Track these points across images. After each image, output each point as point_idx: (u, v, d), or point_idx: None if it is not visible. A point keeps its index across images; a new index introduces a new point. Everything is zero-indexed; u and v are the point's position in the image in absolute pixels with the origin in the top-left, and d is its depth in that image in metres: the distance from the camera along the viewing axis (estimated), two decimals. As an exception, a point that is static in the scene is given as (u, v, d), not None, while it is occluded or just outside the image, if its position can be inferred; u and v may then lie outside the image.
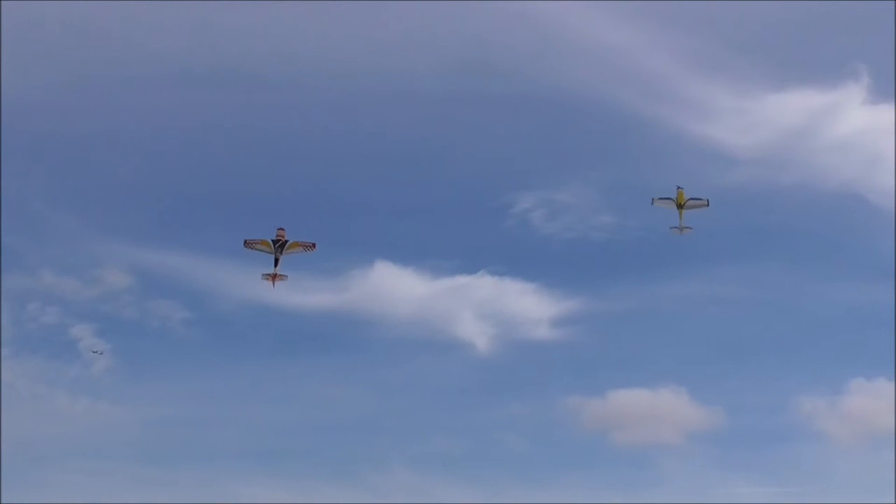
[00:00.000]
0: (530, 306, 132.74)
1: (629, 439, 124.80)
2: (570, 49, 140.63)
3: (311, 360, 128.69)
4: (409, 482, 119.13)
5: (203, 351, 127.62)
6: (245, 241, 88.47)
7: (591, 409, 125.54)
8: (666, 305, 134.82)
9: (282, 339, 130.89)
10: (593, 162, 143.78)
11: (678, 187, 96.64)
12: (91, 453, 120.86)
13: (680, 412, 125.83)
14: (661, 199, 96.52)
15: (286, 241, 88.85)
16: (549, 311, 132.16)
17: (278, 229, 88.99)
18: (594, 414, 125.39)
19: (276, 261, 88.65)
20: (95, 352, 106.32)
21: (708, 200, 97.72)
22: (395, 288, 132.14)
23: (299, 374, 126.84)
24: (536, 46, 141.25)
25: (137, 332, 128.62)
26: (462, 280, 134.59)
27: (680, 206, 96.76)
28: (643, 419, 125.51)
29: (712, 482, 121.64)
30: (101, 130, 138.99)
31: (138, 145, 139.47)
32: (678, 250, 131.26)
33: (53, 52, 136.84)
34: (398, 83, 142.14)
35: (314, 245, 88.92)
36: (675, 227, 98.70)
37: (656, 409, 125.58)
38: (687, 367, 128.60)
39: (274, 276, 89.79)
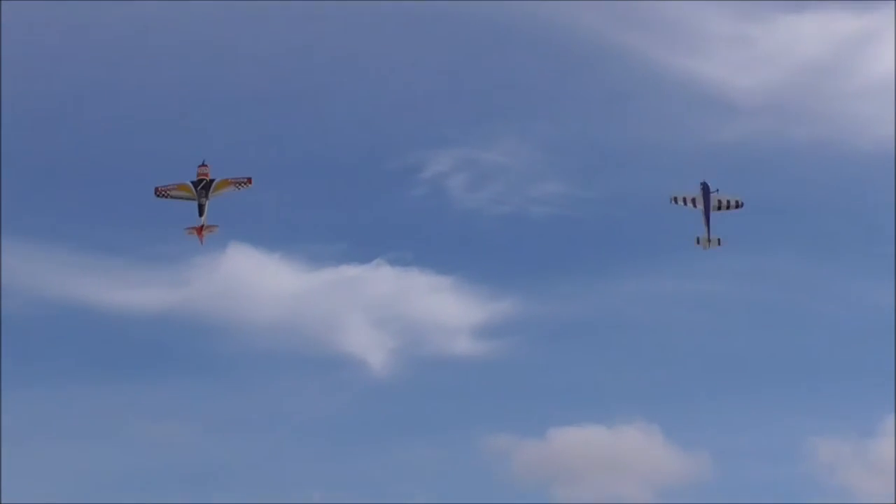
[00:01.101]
0: (445, 309, 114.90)
1: (578, 496, 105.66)
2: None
3: (133, 382, 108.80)
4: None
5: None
6: (156, 190, 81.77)
7: (526, 454, 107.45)
8: (633, 310, 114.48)
9: (92, 352, 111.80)
10: (536, 108, 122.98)
11: (702, 184, 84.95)
12: None
13: (650, 459, 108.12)
14: (681, 197, 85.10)
15: (211, 181, 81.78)
16: (470, 317, 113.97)
17: (199, 166, 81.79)
18: (530, 460, 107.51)
19: (201, 208, 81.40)
20: None
21: (741, 201, 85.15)
22: (255, 282, 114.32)
23: (116, 403, 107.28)
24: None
25: None
26: (350, 271, 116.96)
27: (708, 210, 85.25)
28: (599, 468, 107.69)
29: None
30: None
31: None
32: (651, 234, 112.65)
33: None
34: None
35: (249, 180, 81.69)
36: (702, 239, 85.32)
37: (617, 454, 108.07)
38: (661, 397, 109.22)
39: (201, 229, 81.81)
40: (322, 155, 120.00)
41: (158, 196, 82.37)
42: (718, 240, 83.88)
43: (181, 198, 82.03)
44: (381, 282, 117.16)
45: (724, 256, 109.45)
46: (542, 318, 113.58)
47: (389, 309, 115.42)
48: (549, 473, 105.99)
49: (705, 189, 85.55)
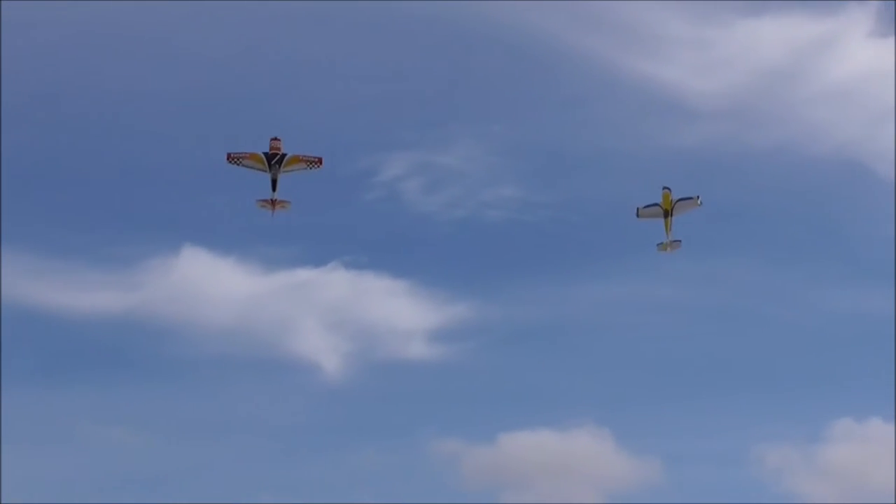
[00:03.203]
0: (400, 313, 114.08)
1: (528, 500, 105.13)
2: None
3: (84, 386, 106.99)
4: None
5: None
6: (229, 155, 78.94)
7: (477, 458, 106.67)
8: (587, 315, 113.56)
9: (44, 355, 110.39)
10: (492, 111, 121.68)
11: (664, 188, 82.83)
12: None
13: (601, 463, 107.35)
14: (647, 207, 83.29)
15: (284, 155, 79.33)
16: (425, 321, 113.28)
17: (272, 139, 78.92)
18: (479, 464, 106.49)
19: (274, 182, 79.18)
20: None
21: (699, 198, 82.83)
22: (209, 285, 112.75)
23: (67, 408, 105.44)
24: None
25: None
26: (305, 275, 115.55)
27: (668, 213, 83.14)
28: (548, 473, 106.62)
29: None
30: None
31: None
32: (606, 238, 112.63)
33: None
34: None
35: (320, 161, 79.39)
36: (663, 244, 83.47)
37: (568, 458, 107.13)
38: (612, 402, 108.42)
39: (273, 203, 79.74)
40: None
41: (230, 162, 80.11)
42: (679, 242, 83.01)
43: (252, 167, 79.97)
44: (335, 285, 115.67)
45: (681, 261, 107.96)
46: (497, 322, 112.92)
47: (344, 313, 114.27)
48: (499, 478, 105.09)
49: (665, 193, 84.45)
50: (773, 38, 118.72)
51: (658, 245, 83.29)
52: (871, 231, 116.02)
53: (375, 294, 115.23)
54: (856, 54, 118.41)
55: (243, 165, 79.81)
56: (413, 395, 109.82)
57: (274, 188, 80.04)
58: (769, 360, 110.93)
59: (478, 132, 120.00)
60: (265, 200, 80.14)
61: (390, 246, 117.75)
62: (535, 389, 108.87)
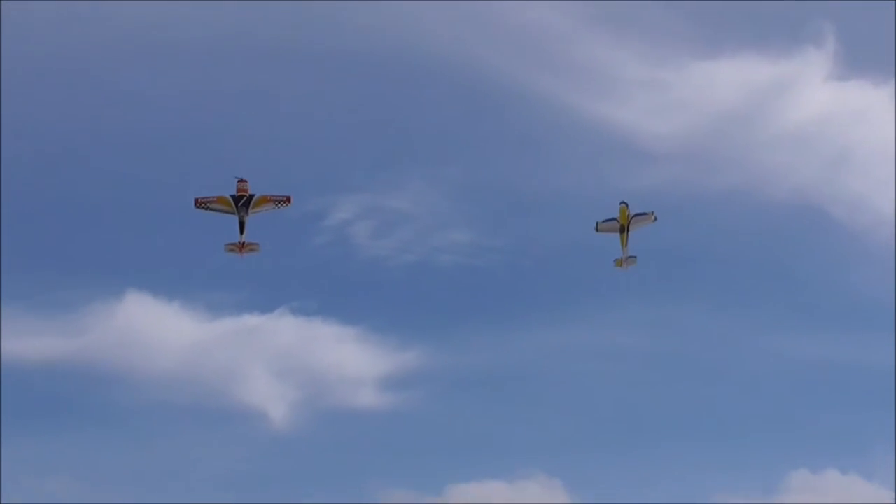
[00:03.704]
0: (349, 360, 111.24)
1: None
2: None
3: (23, 435, 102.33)
4: None
5: None
6: (196, 200, 78.69)
7: None
8: (538, 362, 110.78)
9: None
10: (444, 152, 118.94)
11: (622, 203, 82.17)
12: None
13: None
14: (605, 221, 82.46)
15: (251, 196, 79.10)
16: (375, 368, 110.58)
17: (238, 181, 78.85)
18: None
19: (242, 224, 78.64)
20: None
21: (654, 213, 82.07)
22: (153, 331, 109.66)
23: (4, 458, 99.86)
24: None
25: None
26: (252, 321, 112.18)
27: (624, 228, 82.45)
28: None
29: None
30: None
31: None
32: (560, 284, 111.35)
33: None
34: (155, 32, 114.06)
35: (289, 199, 79.37)
36: (619, 259, 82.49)
37: None
38: (564, 451, 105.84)
39: (242, 246, 79.20)
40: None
41: (198, 207, 79.39)
42: (634, 258, 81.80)
43: (220, 211, 79.24)
44: (283, 332, 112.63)
45: (633, 308, 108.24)
46: (448, 370, 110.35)
47: (292, 360, 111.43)
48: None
49: (622, 208, 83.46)
50: (729, 80, 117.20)
51: (614, 261, 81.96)
52: (828, 276, 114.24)
53: (324, 341, 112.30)
54: (813, 97, 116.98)
55: (211, 210, 78.68)
56: (362, 445, 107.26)
57: (242, 231, 78.75)
58: (724, 409, 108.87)
59: (429, 174, 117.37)
60: (234, 244, 78.93)
61: (339, 291, 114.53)
62: (486, 439, 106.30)
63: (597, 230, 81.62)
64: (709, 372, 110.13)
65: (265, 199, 79.23)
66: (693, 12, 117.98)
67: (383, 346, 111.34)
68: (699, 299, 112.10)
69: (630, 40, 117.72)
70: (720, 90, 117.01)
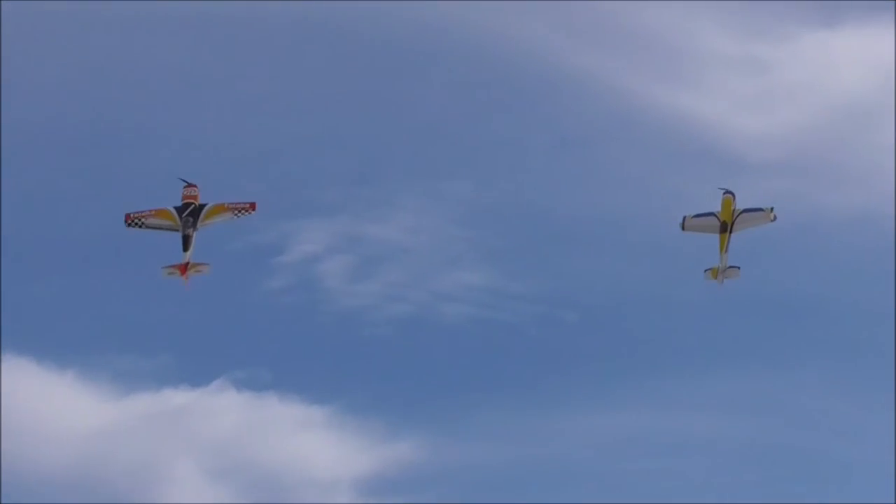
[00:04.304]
0: (317, 454, 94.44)
1: None
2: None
3: None
4: None
5: None
6: (127, 217, 71.71)
7: None
8: (583, 456, 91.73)
9: None
10: (451, 160, 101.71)
11: (725, 192, 72.94)
12: None
13: None
14: (698, 217, 73.95)
15: (202, 206, 71.52)
16: (353, 465, 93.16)
17: (185, 187, 71.51)
18: None
19: (187, 239, 71.03)
20: None
21: (773, 210, 73.47)
22: (40, 412, 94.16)
23: None
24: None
25: None
26: (178, 398, 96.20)
27: (726, 228, 73.47)
28: None
29: None
30: None
31: None
32: (613, 346, 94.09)
33: None
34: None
35: (253, 206, 71.35)
36: (714, 269, 74.39)
37: None
38: None
39: (185, 267, 71.17)
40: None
41: (130, 225, 73.96)
42: (737, 269, 73.78)
43: (160, 227, 73.87)
44: (222, 414, 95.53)
45: (719, 378, 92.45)
46: (455, 467, 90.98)
47: (235, 453, 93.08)
48: None
49: (726, 199, 75.54)
50: (854, 58, 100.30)
51: (706, 271, 73.90)
52: None
53: (281, 426, 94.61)
54: None
55: (148, 227, 73.37)
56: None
57: (186, 247, 72.95)
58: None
59: (429, 190, 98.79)
60: (174, 266, 72.63)
61: (303, 356, 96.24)
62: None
63: (683, 228, 74.31)
64: (831, 469, 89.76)
65: (221, 208, 73.30)
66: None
67: (365, 433, 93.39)
68: (816, 365, 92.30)
69: (714, 4, 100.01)
70: (842, 73, 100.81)
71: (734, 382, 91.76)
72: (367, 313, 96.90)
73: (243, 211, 73.23)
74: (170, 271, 72.33)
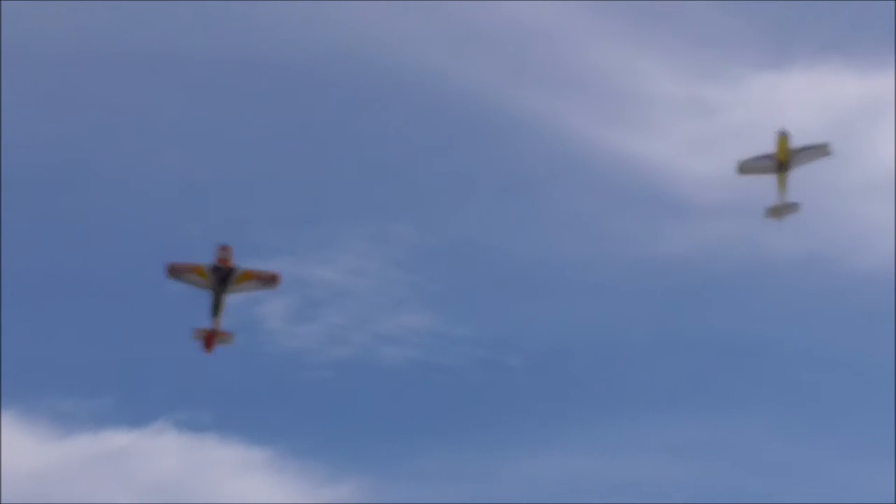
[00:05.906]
0: (258, 495, 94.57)
1: None
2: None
3: None
4: None
5: None
6: (170, 267, 72.15)
7: None
8: (526, 499, 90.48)
9: None
10: (395, 201, 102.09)
11: (781, 133, 75.06)
12: None
13: None
14: (754, 159, 76.18)
15: (232, 269, 72.28)
16: None
17: (220, 248, 71.75)
18: None
19: (217, 305, 72.06)
20: None
21: (829, 145, 76.40)
22: None
23: None
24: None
25: None
26: (117, 440, 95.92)
27: (783, 166, 75.91)
28: None
29: None
30: None
31: None
32: (559, 390, 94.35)
33: None
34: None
35: (276, 277, 72.50)
36: (775, 206, 76.70)
37: None
38: None
39: (212, 335, 71.67)
40: (75, 266, 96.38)
41: (172, 276, 74.15)
42: (796, 205, 76.03)
43: (194, 284, 74.79)
44: (162, 455, 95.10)
45: (667, 423, 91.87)
46: None
47: (175, 494, 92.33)
48: None
49: (781, 139, 77.32)
50: (803, 100, 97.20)
51: (767, 210, 76.12)
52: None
53: (221, 468, 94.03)
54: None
55: (184, 281, 74.20)
56: None
57: (217, 312, 73.45)
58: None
59: (373, 231, 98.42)
60: (203, 331, 72.97)
61: (243, 398, 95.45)
62: None
63: (739, 172, 76.54)
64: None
65: (249, 275, 73.79)
66: (753, 5, 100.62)
67: (306, 476, 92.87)
68: (767, 411, 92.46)
69: (663, 45, 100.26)
70: (790, 115, 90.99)
71: (679, 425, 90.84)
72: (308, 355, 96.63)
73: (269, 283, 74.30)
74: (198, 334, 73.74)
